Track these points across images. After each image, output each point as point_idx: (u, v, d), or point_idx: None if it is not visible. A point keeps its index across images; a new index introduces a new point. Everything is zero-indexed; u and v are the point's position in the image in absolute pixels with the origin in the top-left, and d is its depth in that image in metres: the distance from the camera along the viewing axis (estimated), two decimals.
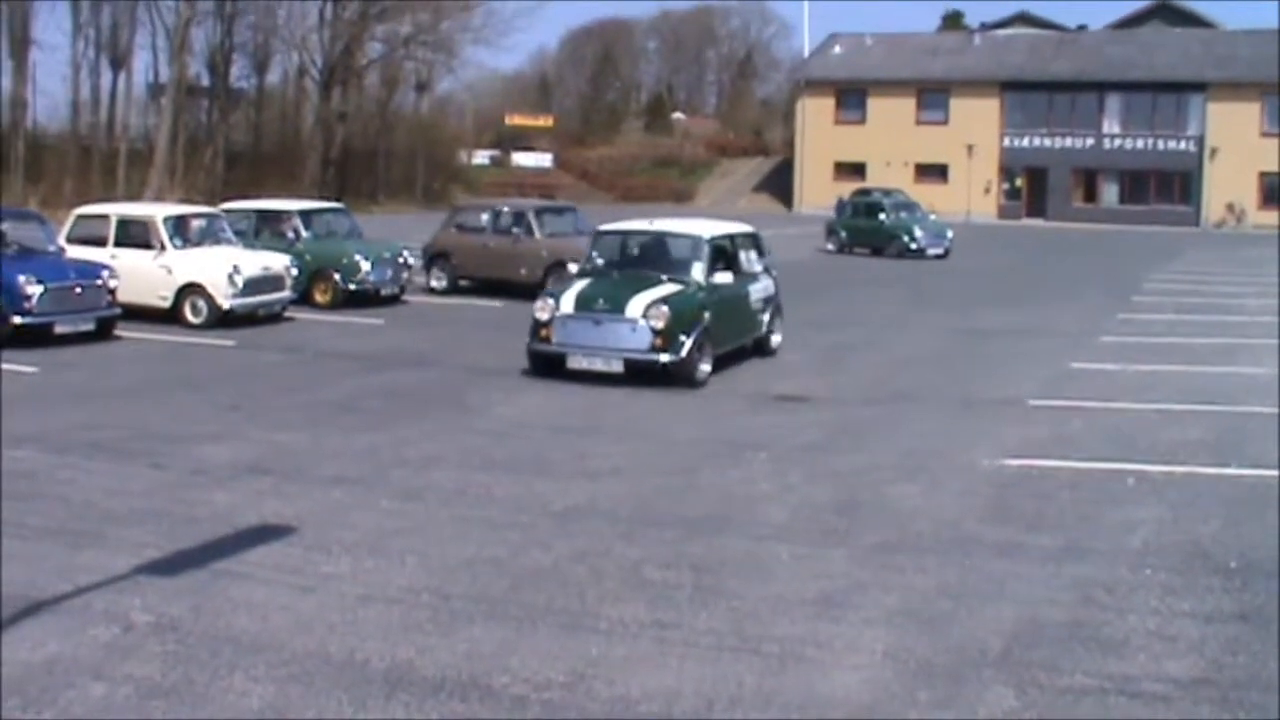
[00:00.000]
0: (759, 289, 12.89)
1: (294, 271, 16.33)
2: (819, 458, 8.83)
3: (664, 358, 10.99)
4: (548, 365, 11.10)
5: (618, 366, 10.99)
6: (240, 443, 8.73)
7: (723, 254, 12.12)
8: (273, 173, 46.19)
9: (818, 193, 58.18)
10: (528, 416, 9.81)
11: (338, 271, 17.84)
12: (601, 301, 11.24)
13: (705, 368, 11.15)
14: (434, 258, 19.25)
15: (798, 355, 13.77)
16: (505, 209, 19.15)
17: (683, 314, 11.10)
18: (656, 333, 11.08)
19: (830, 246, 34.45)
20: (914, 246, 32.87)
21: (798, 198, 63.47)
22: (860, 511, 7.39)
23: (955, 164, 57.20)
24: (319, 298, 17.82)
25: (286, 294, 16.01)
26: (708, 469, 8.32)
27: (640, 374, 10.86)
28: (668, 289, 11.35)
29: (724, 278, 11.91)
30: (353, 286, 17.84)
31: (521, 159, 70.11)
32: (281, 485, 7.60)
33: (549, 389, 10.84)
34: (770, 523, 7.12)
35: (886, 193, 39.21)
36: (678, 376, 10.86)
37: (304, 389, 11.16)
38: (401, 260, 18.07)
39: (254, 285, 15.59)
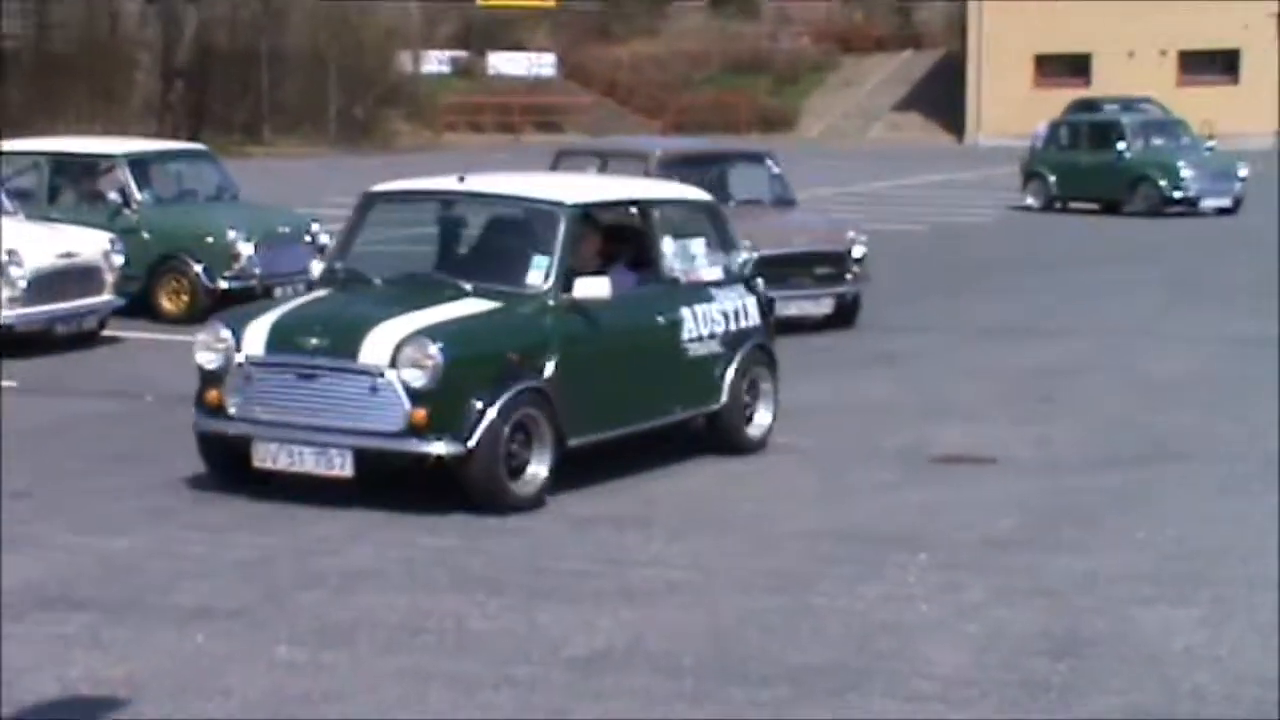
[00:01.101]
0: (704, 317, 10.00)
1: (119, 260, 14.35)
2: (1017, 561, 7.92)
3: (435, 448, 8.36)
4: (227, 458, 8.94)
5: (343, 464, 8.45)
6: (34, 554, 7.80)
7: (613, 239, 9.95)
8: (77, 91, 39.27)
9: (1007, 111, 50.99)
10: None
11: (197, 260, 15.49)
12: (318, 336, 8.55)
13: (536, 471, 8.72)
14: None
15: (973, 387, 12.67)
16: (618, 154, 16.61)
17: (475, 360, 8.58)
18: (417, 397, 8.30)
19: (1031, 200, 30.26)
20: (1178, 196, 28.12)
21: (973, 119, 55.50)
22: (1092, 656, 6.52)
23: (1252, 49, 47.02)
24: (166, 303, 15.57)
25: (106, 298, 14.19)
26: (827, 582, 7.50)
27: (392, 481, 8.86)
28: (457, 310, 8.84)
29: (598, 289, 9.04)
30: (224, 284, 15.61)
31: (503, 63, 60.47)
32: (106, 627, 6.71)
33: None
34: (936, 674, 6.28)
35: (1128, 105, 34.60)
36: (469, 485, 8.51)
37: (140, 460, 9.86)
38: (309, 239, 14.24)
39: (46, 284, 13.49)
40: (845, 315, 15.46)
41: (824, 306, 15.15)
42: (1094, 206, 29.31)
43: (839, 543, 8.10)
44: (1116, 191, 28.62)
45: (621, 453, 9.66)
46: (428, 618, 6.80)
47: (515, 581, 7.36)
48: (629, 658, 6.39)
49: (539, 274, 8.98)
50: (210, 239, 15.32)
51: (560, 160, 16.33)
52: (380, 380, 8.27)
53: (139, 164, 15.84)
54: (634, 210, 9.96)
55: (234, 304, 14.78)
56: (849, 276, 15.30)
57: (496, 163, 37.41)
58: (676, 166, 15.37)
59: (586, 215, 9.49)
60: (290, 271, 14.85)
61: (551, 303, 8.89)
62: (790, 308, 14.28)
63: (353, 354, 8.34)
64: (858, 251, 15.37)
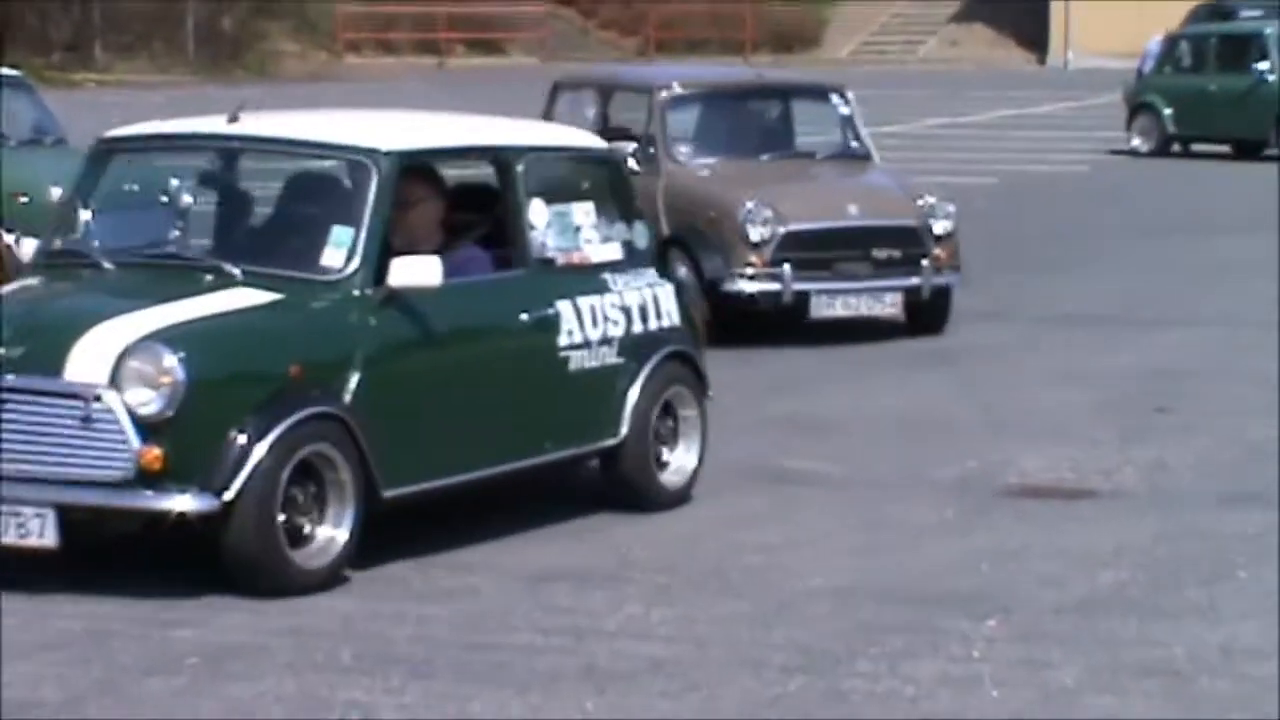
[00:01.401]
0: (593, 315, 9.58)
1: None
2: (1123, 630, 7.83)
3: (176, 502, 7.91)
4: None
5: (42, 530, 7.96)
6: None
7: (461, 206, 9.63)
8: None
9: (1107, 20, 50.85)
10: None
11: (7, 227, 15.32)
12: (5, 344, 8.10)
13: (330, 536, 8.27)
14: None
15: (1061, 395, 12.69)
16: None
17: (235, 376, 8.23)
18: (149, 431, 7.85)
19: (1138, 141, 30.61)
20: None
21: (1059, 32, 55.51)
22: None
23: None
24: None
25: None
26: (865, 659, 7.34)
27: (105, 555, 8.58)
28: (215, 304, 8.45)
29: (423, 273, 8.60)
30: (47, 261, 14.14)
31: None
32: None
33: None
34: None
35: (1267, 10, 34.58)
36: (227, 557, 8.10)
37: None
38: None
39: None
40: (924, 318, 14.76)
41: (887, 305, 14.49)
42: (1225, 149, 29.51)
43: (880, 605, 8.06)
44: (1257, 128, 28.74)
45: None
46: (324, 711, 6.77)
47: (444, 660, 7.34)
48: None
49: (339, 253, 8.53)
50: (25, 198, 15.25)
51: (558, 96, 16.26)
52: (95, 406, 7.81)
53: None
54: (489, 162, 9.58)
55: None
56: (925, 262, 14.38)
57: (409, 95, 37.43)
58: (694, 104, 15.27)
59: (415, 169, 9.08)
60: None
61: (357, 293, 8.47)
62: (835, 306, 14.14)
63: (55, 369, 7.90)
64: (940, 227, 14.58)
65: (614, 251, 9.77)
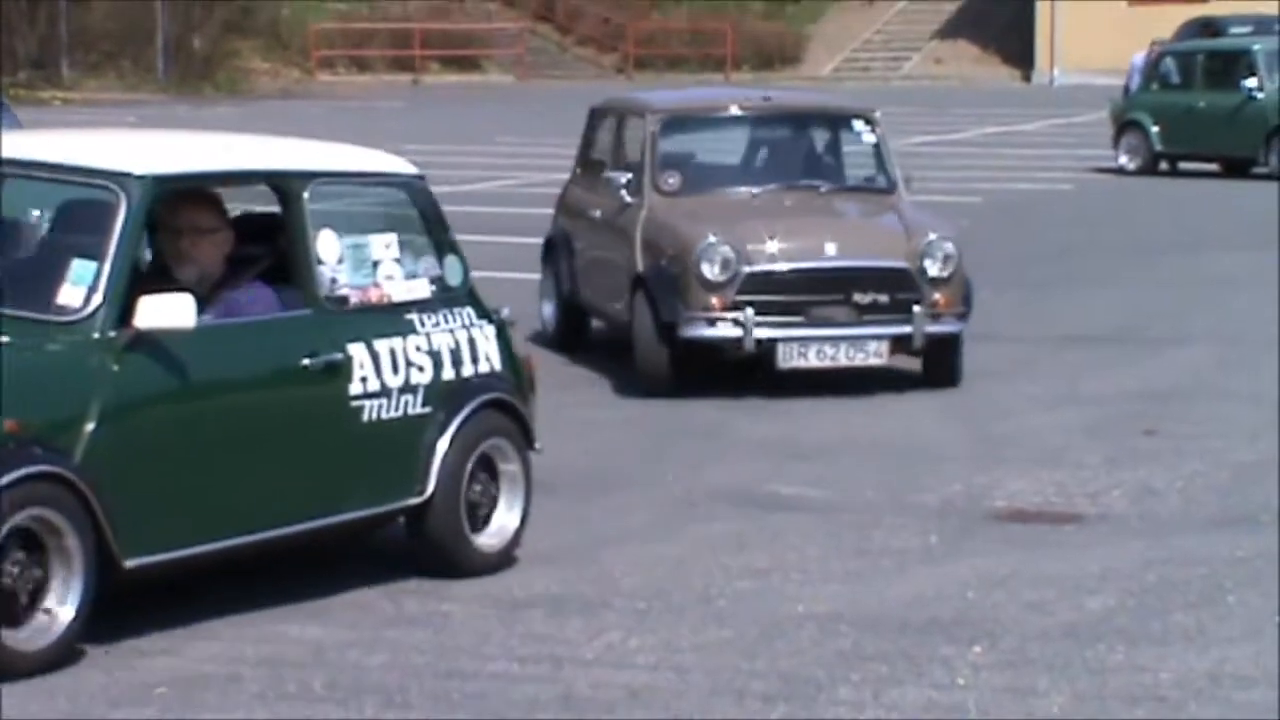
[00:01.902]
0: (393, 360, 8.86)
1: None
2: (1111, 656, 7.76)
3: None
4: None
5: None
6: None
7: (252, 234, 8.82)
8: None
9: (1094, 36, 51.33)
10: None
11: None
12: None
13: (56, 612, 7.57)
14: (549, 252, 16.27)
15: (1049, 417, 12.68)
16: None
17: None
18: None
19: (1125, 159, 30.67)
20: None
21: (1045, 49, 55.92)
22: None
23: None
24: None
25: None
26: (848, 687, 7.33)
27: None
28: None
29: (174, 314, 7.82)
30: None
31: None
32: None
33: None
34: None
35: (1262, 26, 35.10)
36: None
37: None
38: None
39: None
40: (930, 367, 13.56)
41: (872, 355, 13.09)
42: (1213, 167, 29.54)
43: (865, 632, 8.05)
44: (1246, 145, 28.72)
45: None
46: None
47: (419, 689, 7.31)
48: None
49: (77, 291, 7.83)
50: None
51: (597, 121, 15.55)
52: None
53: None
54: (271, 189, 8.81)
55: None
56: (918, 308, 13.03)
57: (387, 113, 37.24)
58: (691, 130, 14.61)
59: (192, 195, 8.48)
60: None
61: (98, 335, 7.75)
62: (807, 356, 12.93)
63: None
64: (935, 268, 13.25)
65: (421, 289, 9.11)
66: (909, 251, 13.28)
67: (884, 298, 13.11)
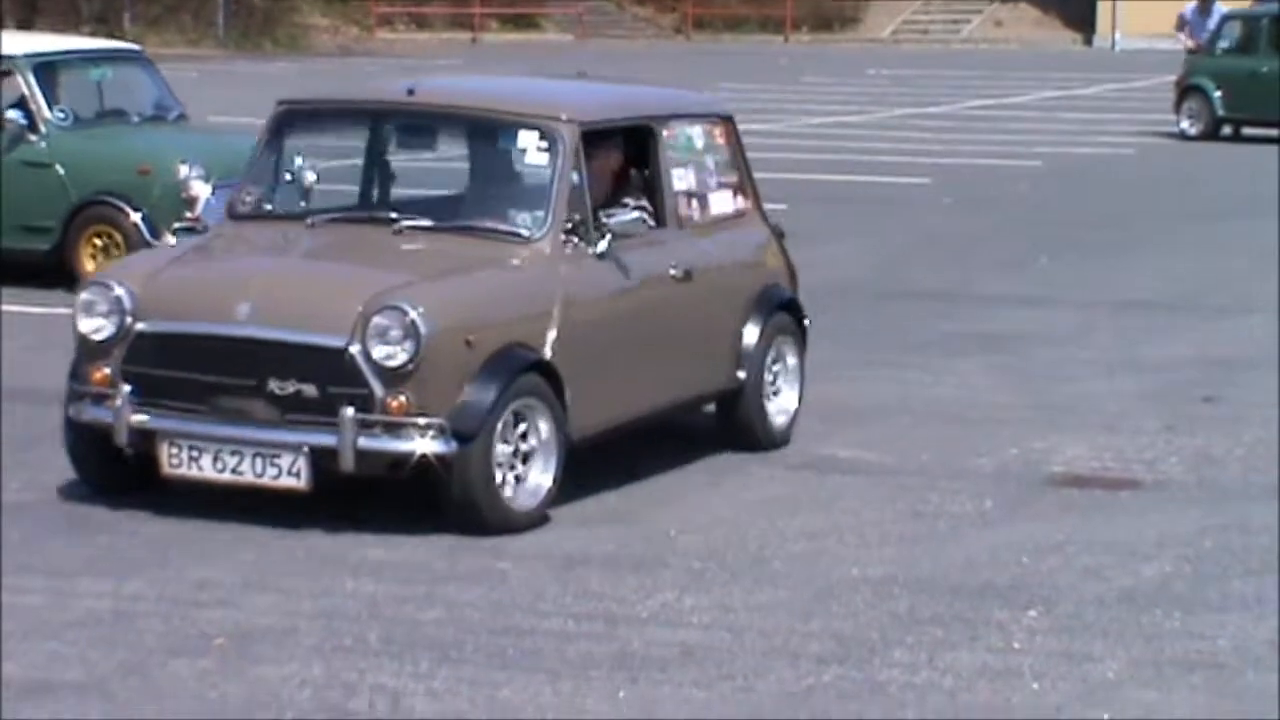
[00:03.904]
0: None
1: None
2: (1167, 623, 7.76)
3: None
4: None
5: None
6: None
7: None
8: None
9: (1153, 4, 49.77)
10: None
11: (134, 205, 15.34)
12: None
13: None
14: None
15: (1107, 384, 12.60)
16: None
17: None
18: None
19: (1187, 124, 30.57)
20: None
21: (1105, 15, 55.57)
22: None
23: None
24: (91, 266, 15.31)
25: None
26: (903, 649, 7.33)
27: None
28: None
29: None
30: (173, 239, 14.62)
31: None
32: None
33: None
34: None
35: None
36: None
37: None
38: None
39: None
40: (440, 500, 8.81)
41: (286, 473, 8.65)
42: (1276, 132, 29.20)
43: (919, 595, 8.07)
44: None
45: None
46: (351, 695, 6.79)
47: (474, 645, 7.35)
48: None
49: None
50: (151, 176, 15.34)
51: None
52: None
53: (47, 69, 15.85)
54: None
55: None
56: (349, 412, 8.45)
57: (445, 71, 37.31)
58: (313, 129, 10.70)
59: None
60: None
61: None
62: (200, 463, 8.77)
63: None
64: (380, 350, 8.54)
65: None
66: (356, 324, 8.70)
67: (312, 390, 8.82)
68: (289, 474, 8.78)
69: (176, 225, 14.48)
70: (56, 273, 15.16)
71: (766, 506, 9.61)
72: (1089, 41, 55.72)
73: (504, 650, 7.30)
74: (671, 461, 10.32)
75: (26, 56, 15.84)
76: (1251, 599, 8.07)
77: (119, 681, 6.91)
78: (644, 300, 9.85)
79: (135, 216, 15.17)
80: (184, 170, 15.10)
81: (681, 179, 10.20)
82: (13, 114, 15.60)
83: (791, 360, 10.68)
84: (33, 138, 15.45)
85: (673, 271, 9.84)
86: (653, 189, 10.07)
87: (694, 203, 10.38)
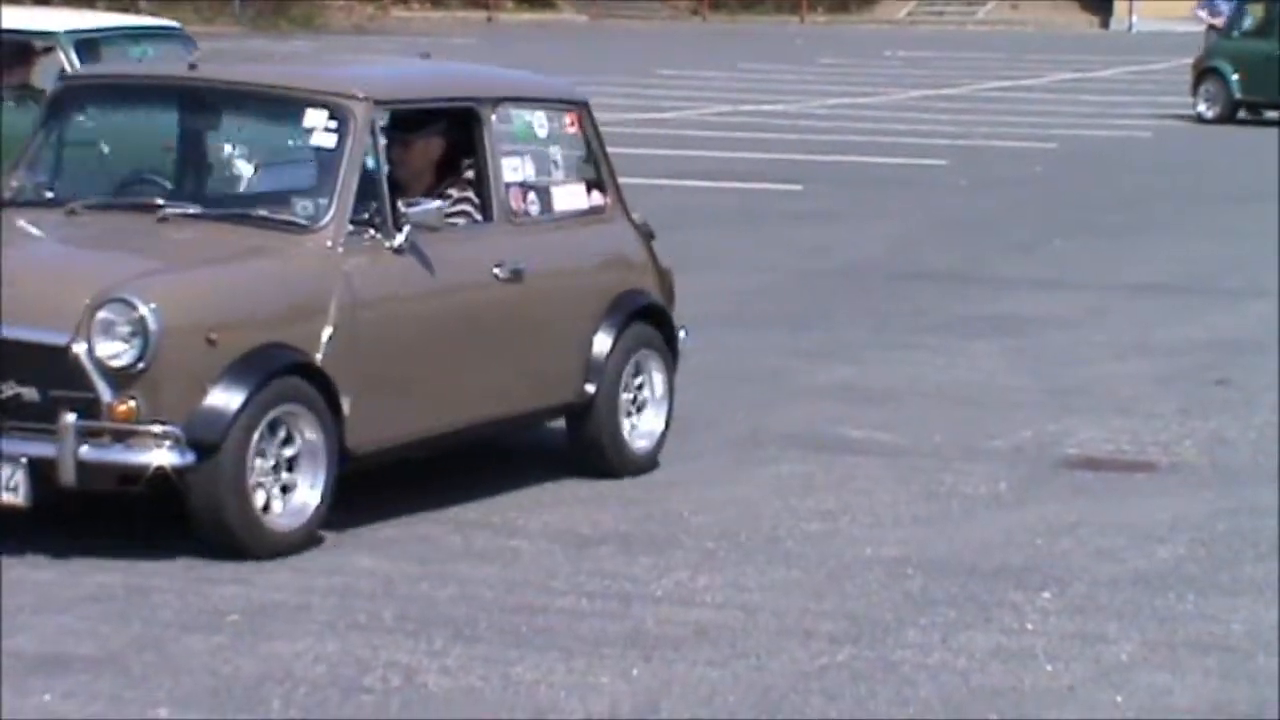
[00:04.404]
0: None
1: None
2: (1180, 605, 7.78)
3: None
4: None
5: None
6: None
7: None
8: None
9: None
10: None
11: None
12: None
13: None
14: None
15: (1121, 366, 12.66)
16: None
17: None
18: None
19: (1203, 107, 30.79)
20: None
21: None
22: None
23: None
24: None
25: None
26: (916, 630, 7.37)
27: None
28: None
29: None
30: None
31: None
32: None
33: None
34: None
35: None
36: None
37: None
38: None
39: None
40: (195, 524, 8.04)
41: (4, 488, 7.76)
42: None
43: (933, 576, 8.07)
44: None
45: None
46: (365, 672, 6.79)
47: (487, 622, 7.36)
48: None
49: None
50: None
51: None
52: None
53: (89, 46, 15.67)
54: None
55: None
56: (70, 418, 7.56)
57: (459, 50, 37.37)
58: (98, 106, 9.86)
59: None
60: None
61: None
62: None
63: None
64: (106, 347, 7.68)
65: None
66: (84, 316, 7.87)
67: (34, 394, 7.95)
68: (7, 489, 7.90)
69: None
70: None
71: (780, 486, 9.60)
72: (1105, 24, 55.75)
73: (517, 628, 7.30)
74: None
75: (68, 33, 15.78)
76: (1264, 582, 8.05)
77: (134, 656, 6.90)
78: (458, 301, 8.96)
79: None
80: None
81: (516, 170, 9.34)
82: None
83: (657, 376, 9.68)
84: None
85: (497, 271, 8.92)
86: (479, 179, 9.24)
87: (531, 196, 9.43)
